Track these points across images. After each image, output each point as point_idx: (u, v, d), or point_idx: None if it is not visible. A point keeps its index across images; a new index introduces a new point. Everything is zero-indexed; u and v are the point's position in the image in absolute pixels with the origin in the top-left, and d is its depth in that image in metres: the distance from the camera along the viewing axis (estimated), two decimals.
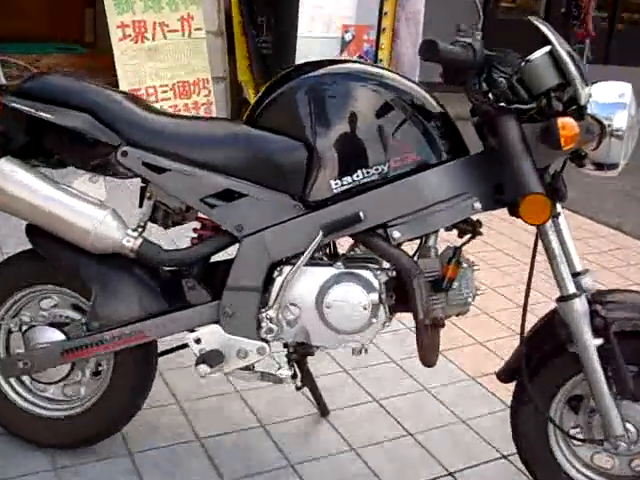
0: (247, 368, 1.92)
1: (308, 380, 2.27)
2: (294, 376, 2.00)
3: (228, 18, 5.58)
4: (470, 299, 1.91)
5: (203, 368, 1.81)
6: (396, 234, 1.79)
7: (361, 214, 1.74)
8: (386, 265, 1.85)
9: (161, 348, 2.10)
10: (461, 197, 1.78)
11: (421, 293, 1.77)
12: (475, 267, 1.94)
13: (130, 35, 5.05)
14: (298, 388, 2.12)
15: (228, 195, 1.83)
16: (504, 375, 2.01)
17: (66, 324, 1.95)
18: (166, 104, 5.39)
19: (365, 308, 1.79)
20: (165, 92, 5.38)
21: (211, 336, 1.89)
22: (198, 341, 1.90)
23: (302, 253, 1.79)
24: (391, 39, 5.36)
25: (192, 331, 1.92)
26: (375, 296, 1.80)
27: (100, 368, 2.02)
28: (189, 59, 5.46)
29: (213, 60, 5.48)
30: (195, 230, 1.96)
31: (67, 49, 7.02)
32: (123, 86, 5.23)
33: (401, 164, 1.77)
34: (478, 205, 1.79)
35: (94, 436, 2.07)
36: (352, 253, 1.93)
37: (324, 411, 2.39)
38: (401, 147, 1.77)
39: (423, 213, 1.78)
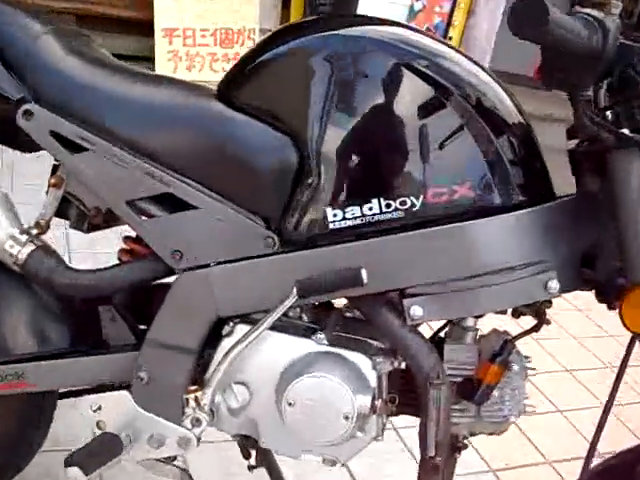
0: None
1: (266, 458, 1.61)
2: (246, 456, 1.37)
3: None
4: (513, 417, 1.24)
5: (73, 473, 1.16)
6: (416, 311, 1.11)
7: (364, 273, 1.06)
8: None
9: None
10: (530, 268, 1.10)
11: (438, 412, 1.10)
12: (530, 369, 1.25)
13: None
14: (251, 467, 1.47)
15: (169, 203, 1.17)
16: None
17: None
18: (204, 50, 4.73)
19: (347, 418, 1.13)
20: (204, 37, 4.73)
21: (117, 406, 1.25)
22: (99, 409, 1.26)
23: (266, 311, 1.13)
24: (466, 17, 4.57)
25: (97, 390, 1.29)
26: (367, 401, 1.14)
27: None
28: (240, 5, 4.79)
29: (265, 11, 4.80)
30: (126, 241, 1.30)
31: None
32: (159, 23, 4.60)
33: (443, 201, 1.09)
34: (555, 284, 1.09)
35: None
36: (348, 314, 1.26)
37: None
38: (448, 173, 1.09)
39: (465, 285, 1.10)
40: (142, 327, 1.32)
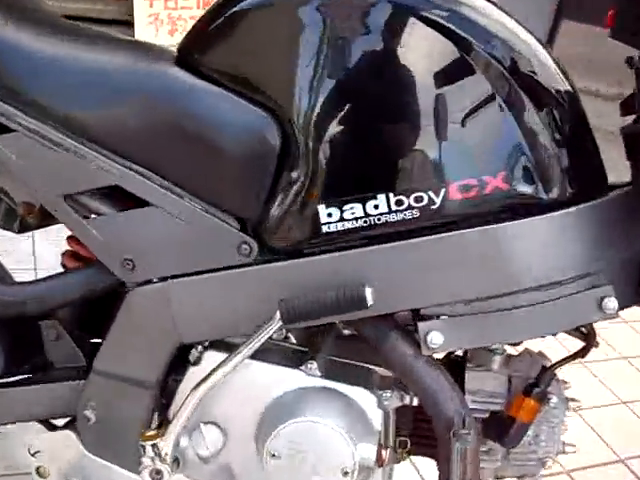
0: None
1: None
2: None
3: None
4: (549, 460, 1.00)
5: None
6: (435, 338, 0.86)
7: (368, 291, 0.81)
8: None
9: None
10: (581, 282, 0.85)
11: (464, 469, 0.86)
12: (573, 401, 1.01)
13: None
14: None
15: (117, 199, 0.92)
16: None
17: None
18: (186, 13, 4.42)
19: (347, 473, 0.88)
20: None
21: (58, 450, 1.00)
22: (38, 452, 1.01)
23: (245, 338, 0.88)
24: None
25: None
26: (370, 451, 0.89)
27: None
28: None
29: None
30: (70, 241, 1.04)
31: None
32: None
33: (470, 197, 0.83)
34: (612, 302, 0.85)
35: None
36: (346, 331, 1.01)
37: None
38: (477, 160, 0.83)
39: (498, 305, 0.85)
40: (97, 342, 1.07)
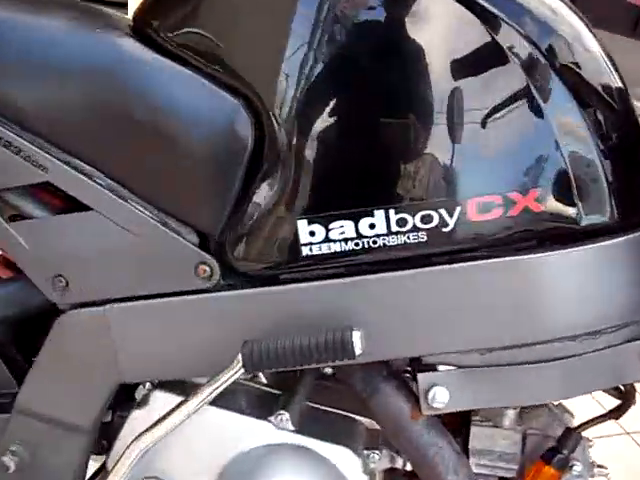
0: None
1: None
2: None
3: None
4: None
5: None
6: (439, 395, 0.68)
7: (357, 336, 0.63)
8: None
9: None
10: (623, 332, 0.67)
11: None
12: (600, 468, 0.84)
13: None
14: None
15: (49, 200, 0.73)
16: None
17: None
18: None
19: None
20: None
21: None
22: None
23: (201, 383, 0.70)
24: None
25: None
26: None
27: None
28: None
29: None
30: None
31: None
32: None
33: (492, 219, 0.65)
34: None
35: None
36: (328, 369, 0.83)
37: None
38: (504, 174, 0.65)
39: (520, 357, 0.67)
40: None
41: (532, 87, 0.64)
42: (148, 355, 0.73)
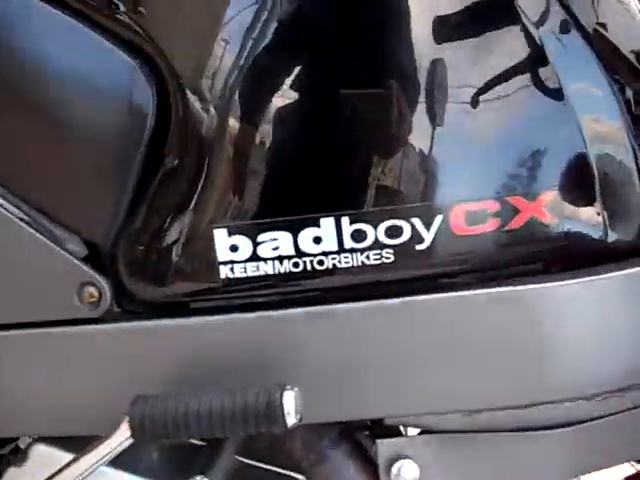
0: None
1: None
2: None
3: None
4: None
5: None
6: (407, 470, 0.49)
7: (289, 399, 0.44)
8: None
9: None
10: None
11: None
12: None
13: None
14: None
15: None
16: None
17: None
18: None
19: None
20: None
21: None
22: None
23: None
24: None
25: None
26: None
27: None
28: None
29: None
30: None
31: None
32: None
33: (487, 231, 0.46)
34: None
35: None
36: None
37: None
38: (504, 172, 0.46)
39: (522, 421, 0.49)
40: None
41: (548, 54, 0.46)
42: (17, 402, 0.54)
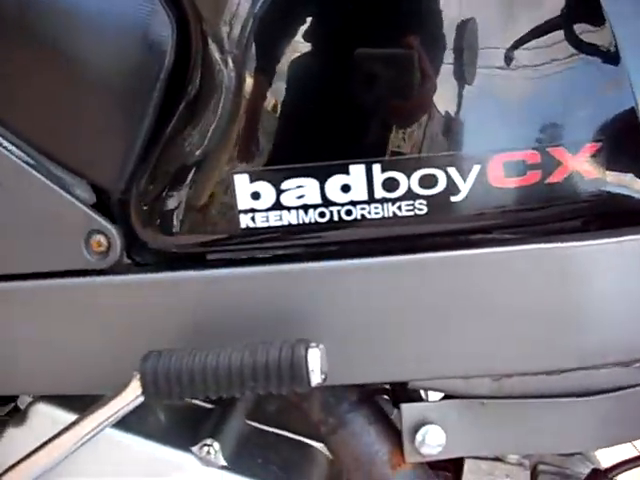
0: None
1: None
2: None
3: None
4: None
5: None
6: (433, 436, 0.47)
7: (315, 357, 0.41)
8: None
9: None
10: None
11: None
12: None
13: None
14: None
15: None
16: None
17: None
18: None
19: None
20: None
21: None
22: None
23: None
24: None
25: None
26: None
27: None
28: None
29: None
30: None
31: None
32: None
33: (527, 183, 0.43)
34: None
35: None
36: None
37: None
38: (545, 120, 0.43)
39: (552, 388, 0.46)
40: None
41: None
42: (17, 358, 0.51)
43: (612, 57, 0.44)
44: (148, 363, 0.42)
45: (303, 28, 0.42)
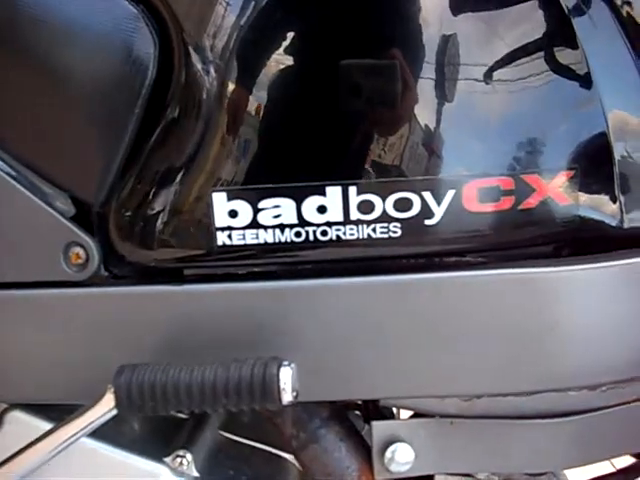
0: None
1: None
2: None
3: None
4: None
5: None
6: (402, 454, 0.48)
7: (286, 375, 0.42)
8: None
9: None
10: None
11: None
12: None
13: None
14: None
15: None
16: None
17: None
18: None
19: None
20: None
21: None
22: None
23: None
24: None
25: None
26: None
27: None
28: None
29: None
30: None
31: None
32: None
33: (500, 209, 0.44)
34: None
35: None
36: None
37: None
38: (520, 147, 0.44)
39: (524, 408, 0.47)
40: None
41: (574, 26, 0.44)
42: None
43: (585, 81, 0.45)
44: (122, 377, 0.43)
45: (275, 42, 0.43)
